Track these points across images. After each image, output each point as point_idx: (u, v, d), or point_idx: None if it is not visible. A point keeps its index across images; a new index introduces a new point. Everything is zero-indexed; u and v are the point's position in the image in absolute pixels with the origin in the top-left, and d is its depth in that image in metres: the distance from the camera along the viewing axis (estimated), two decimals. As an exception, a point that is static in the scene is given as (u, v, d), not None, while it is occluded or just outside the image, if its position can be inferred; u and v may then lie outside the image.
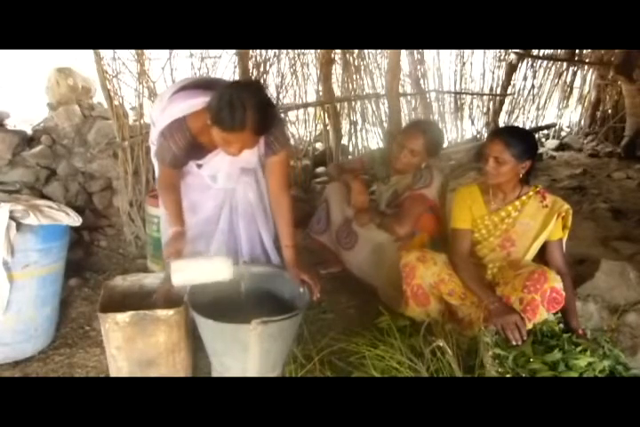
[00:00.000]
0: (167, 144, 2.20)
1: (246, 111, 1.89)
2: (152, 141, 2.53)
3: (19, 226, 2.18)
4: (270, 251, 2.60)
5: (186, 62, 3.83)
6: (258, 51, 4.16)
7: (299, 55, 4.61)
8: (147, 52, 3.34)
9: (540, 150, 6.62)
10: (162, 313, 2.02)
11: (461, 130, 6.60)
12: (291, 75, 4.61)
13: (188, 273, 2.03)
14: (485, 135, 6.44)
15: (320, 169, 4.88)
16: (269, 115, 2.00)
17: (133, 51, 3.26)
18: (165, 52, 3.52)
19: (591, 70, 7.61)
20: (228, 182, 2.44)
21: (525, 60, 6.85)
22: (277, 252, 2.56)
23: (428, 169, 2.95)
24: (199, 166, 2.38)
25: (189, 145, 2.20)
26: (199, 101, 2.12)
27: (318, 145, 5.19)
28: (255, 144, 2.11)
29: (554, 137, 7.61)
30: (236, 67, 4.05)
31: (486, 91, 6.75)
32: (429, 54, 5.93)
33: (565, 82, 7.53)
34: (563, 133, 7.80)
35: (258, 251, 2.60)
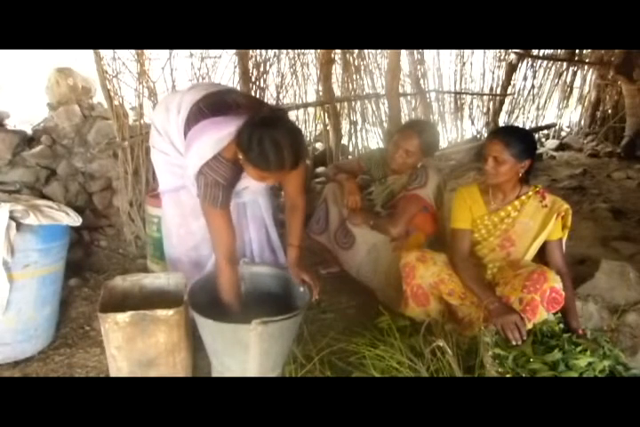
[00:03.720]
0: (214, 180, 2.05)
1: (283, 152, 1.83)
2: (152, 144, 2.49)
3: (19, 226, 2.18)
4: (278, 251, 2.61)
5: (186, 62, 3.84)
6: (258, 51, 4.15)
7: (299, 55, 4.63)
8: (147, 52, 3.34)
9: (540, 150, 6.67)
10: (162, 313, 2.02)
11: (461, 130, 6.67)
12: (291, 75, 4.62)
13: None
14: (485, 135, 6.46)
15: (320, 169, 4.87)
16: (303, 147, 1.95)
17: (133, 51, 3.26)
18: (165, 52, 3.52)
19: (591, 70, 7.65)
20: (250, 197, 2.44)
21: (525, 60, 6.93)
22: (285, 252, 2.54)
23: (423, 169, 2.94)
24: None
25: (232, 173, 2.10)
26: (225, 134, 2.02)
27: (318, 145, 5.18)
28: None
29: (554, 137, 7.66)
30: (235, 67, 4.08)
31: (486, 91, 6.82)
32: (429, 54, 6.00)
33: (565, 82, 7.62)
34: (563, 133, 7.85)
35: (267, 252, 2.60)
